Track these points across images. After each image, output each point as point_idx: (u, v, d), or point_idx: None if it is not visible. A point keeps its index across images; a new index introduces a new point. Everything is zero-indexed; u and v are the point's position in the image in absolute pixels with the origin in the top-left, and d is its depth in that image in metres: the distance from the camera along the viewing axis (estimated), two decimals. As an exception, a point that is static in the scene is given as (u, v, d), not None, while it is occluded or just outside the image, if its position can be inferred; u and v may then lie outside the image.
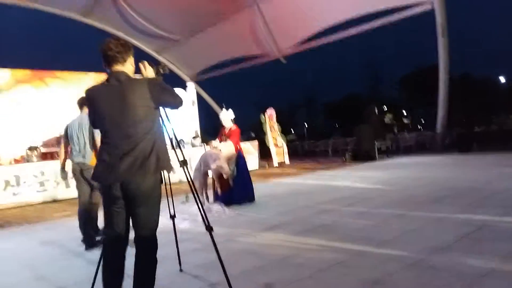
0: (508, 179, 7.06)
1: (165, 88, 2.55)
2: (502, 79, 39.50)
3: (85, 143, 4.70)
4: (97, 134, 4.43)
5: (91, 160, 4.64)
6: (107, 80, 2.52)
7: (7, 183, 9.18)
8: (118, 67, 2.52)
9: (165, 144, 2.59)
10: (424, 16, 15.59)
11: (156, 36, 22.48)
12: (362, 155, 14.06)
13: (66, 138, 4.84)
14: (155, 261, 2.49)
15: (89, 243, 4.54)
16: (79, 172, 4.72)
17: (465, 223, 4.26)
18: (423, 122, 49.04)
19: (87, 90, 2.56)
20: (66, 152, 4.90)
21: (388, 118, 19.78)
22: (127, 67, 2.56)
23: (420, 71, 46.21)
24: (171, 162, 2.59)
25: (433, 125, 17.04)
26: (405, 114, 53.64)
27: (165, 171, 2.61)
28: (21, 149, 10.93)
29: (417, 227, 4.29)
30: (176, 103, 2.61)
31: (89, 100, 2.56)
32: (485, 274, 2.84)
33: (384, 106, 41.50)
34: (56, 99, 13.03)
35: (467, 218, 4.48)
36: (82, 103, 4.82)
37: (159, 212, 2.56)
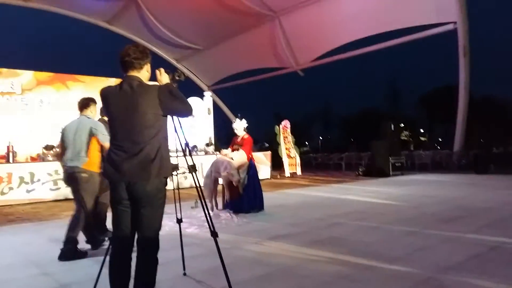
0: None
1: (175, 96, 2.56)
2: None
3: (81, 147, 4.37)
4: (105, 138, 4.30)
5: (85, 163, 4.36)
6: (121, 84, 2.56)
7: (21, 179, 9.34)
8: (134, 73, 2.57)
9: (168, 151, 2.61)
10: (448, 34, 15.45)
11: (177, 45, 22.82)
12: (376, 171, 13.90)
13: (63, 141, 4.53)
14: (156, 262, 2.50)
15: (94, 243, 4.54)
16: (69, 178, 4.36)
17: (477, 244, 4.15)
18: (440, 140, 48.38)
19: (102, 89, 2.62)
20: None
21: (404, 135, 19.59)
22: (143, 73, 2.62)
23: (441, 90, 45.78)
24: (181, 168, 2.60)
25: (451, 144, 16.78)
26: (422, 132, 52.98)
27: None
28: (38, 147, 11.13)
29: (429, 245, 4.19)
30: (185, 111, 2.61)
31: (103, 100, 2.62)
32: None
33: (402, 123, 41.13)
34: (76, 102, 13.24)
35: (480, 238, 4.36)
36: (83, 105, 4.61)
37: (162, 214, 2.58)
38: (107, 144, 4.24)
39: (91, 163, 4.43)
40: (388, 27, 16.70)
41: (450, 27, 15.09)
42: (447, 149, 18.62)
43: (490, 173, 13.26)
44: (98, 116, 5.25)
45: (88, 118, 4.57)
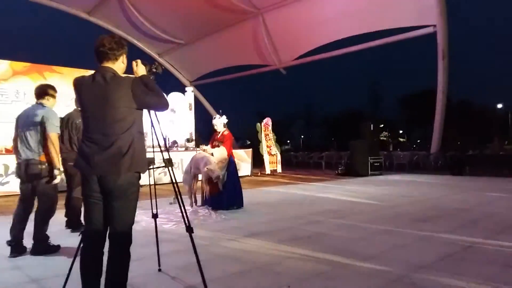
0: (496, 203, 7.05)
1: (150, 89, 2.50)
2: (499, 106, 39.88)
3: (35, 138, 4.06)
4: (53, 128, 4.02)
5: (41, 155, 4.06)
6: (94, 75, 2.49)
7: (-5, 172, 9.08)
8: (108, 64, 2.50)
9: (144, 146, 2.55)
10: (430, 37, 15.72)
11: (159, 39, 22.54)
12: (355, 170, 14.06)
13: (17, 131, 4.19)
14: (128, 256, 2.45)
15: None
16: (24, 171, 4.05)
17: (450, 243, 4.23)
18: (418, 142, 49.34)
19: (75, 79, 2.55)
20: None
21: (384, 136, 19.91)
22: (118, 65, 2.55)
23: (420, 92, 46.68)
24: (158, 163, 2.54)
25: (428, 146, 17.12)
26: (401, 133, 53.88)
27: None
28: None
29: (403, 244, 4.26)
30: (160, 105, 2.56)
31: (76, 91, 2.55)
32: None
33: (381, 124, 41.73)
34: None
35: (454, 238, 4.45)
36: (39, 93, 4.22)
37: (135, 208, 2.53)
38: (52, 135, 4.02)
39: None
40: (370, 28, 16.91)
41: (430, 30, 15.37)
42: (424, 151, 18.99)
43: (465, 174, 13.58)
44: (72, 106, 5.13)
45: (44, 106, 4.18)
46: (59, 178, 4.17)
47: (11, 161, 9.34)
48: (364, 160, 14.07)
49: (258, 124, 16.08)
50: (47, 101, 4.25)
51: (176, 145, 13.51)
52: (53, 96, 4.34)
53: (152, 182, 3.49)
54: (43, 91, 4.25)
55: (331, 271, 3.36)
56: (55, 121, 4.12)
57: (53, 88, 4.37)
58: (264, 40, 20.01)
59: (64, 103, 12.40)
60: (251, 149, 15.12)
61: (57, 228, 4.93)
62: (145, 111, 2.60)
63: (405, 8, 15.32)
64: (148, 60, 2.90)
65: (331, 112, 59.87)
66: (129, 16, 20.84)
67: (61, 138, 4.69)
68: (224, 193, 6.63)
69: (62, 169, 4.24)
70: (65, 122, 5.13)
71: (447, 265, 3.51)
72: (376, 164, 14.31)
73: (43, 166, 4.06)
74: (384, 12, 15.92)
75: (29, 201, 4.16)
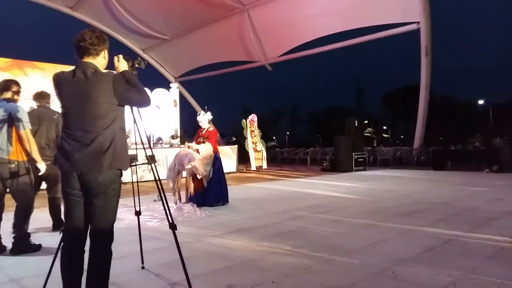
0: (477, 197, 7.19)
1: (132, 85, 2.47)
2: (481, 102, 40.62)
3: (5, 136, 3.88)
4: (23, 125, 3.88)
5: (10, 154, 3.89)
6: (74, 70, 2.44)
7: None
8: (89, 59, 2.45)
9: (126, 142, 2.52)
10: (413, 34, 15.90)
11: (143, 34, 22.27)
12: (339, 166, 14.17)
13: None
14: (110, 254, 2.42)
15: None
16: None
17: (432, 237, 4.30)
18: (402, 137, 49.99)
19: (55, 75, 2.49)
20: None
21: (368, 132, 20.13)
22: (99, 60, 2.49)
23: (404, 89, 47.25)
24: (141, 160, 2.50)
25: (411, 141, 17.37)
26: (385, 129, 54.45)
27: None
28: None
29: (386, 238, 4.31)
30: (141, 102, 2.53)
31: (56, 86, 2.48)
32: (445, 287, 2.86)
33: (366, 120, 42.12)
34: (34, 89, 12.77)
35: (435, 232, 4.53)
36: (3, 88, 4.05)
37: (117, 206, 2.49)
38: (26, 132, 3.90)
39: (17, 152, 3.95)
40: (355, 24, 17.02)
41: (413, 27, 15.53)
42: (407, 146, 19.25)
43: (447, 169, 13.82)
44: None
45: (8, 102, 4.00)
46: (43, 170, 4.11)
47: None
48: (348, 156, 14.19)
49: (244, 120, 16.08)
50: (12, 97, 4.07)
51: (160, 142, 13.41)
52: (17, 93, 4.15)
53: (135, 180, 3.46)
54: (6, 86, 4.06)
55: (315, 265, 3.39)
56: (24, 117, 3.97)
57: (16, 83, 4.18)
58: (250, 36, 19.95)
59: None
60: (236, 146, 15.11)
61: (37, 227, 4.86)
62: (127, 107, 2.57)
63: (389, 5, 15.46)
64: (131, 56, 2.87)
65: (316, 108, 60.22)
66: (112, 11, 20.53)
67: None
68: (209, 189, 6.61)
69: (43, 164, 4.15)
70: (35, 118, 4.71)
71: (428, 258, 3.57)
72: (360, 159, 14.45)
73: (13, 165, 3.91)
74: (368, 9, 16.04)
75: (1, 201, 4.05)
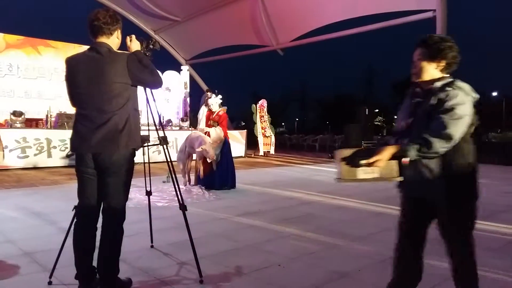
0: (487, 189, 7.14)
1: (145, 65, 2.47)
2: (495, 94, 40.03)
3: None
4: None
5: None
6: (88, 50, 2.46)
7: (-13, 146, 9.02)
8: (103, 39, 2.45)
9: (139, 122, 2.55)
10: (426, 23, 15.58)
11: (155, 15, 22.12)
12: (349, 154, 14.14)
13: None
14: (121, 232, 2.48)
15: None
16: None
17: (438, 227, 4.31)
18: (413, 128, 49.39)
19: (67, 58, 2.50)
20: None
21: (378, 120, 19.96)
22: (113, 40, 2.50)
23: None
24: (152, 141, 2.53)
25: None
26: (395, 118, 53.74)
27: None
28: (6, 113, 10.74)
29: (393, 226, 4.31)
30: (154, 83, 2.55)
31: (68, 69, 2.48)
32: (450, 278, 2.88)
33: (376, 109, 41.72)
34: (47, 68, 12.86)
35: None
36: None
37: (129, 185, 2.53)
38: None
39: None
40: (368, 10, 16.70)
41: (429, 14, 15.19)
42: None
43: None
44: None
45: None
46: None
47: (4, 135, 9.25)
48: (358, 144, 14.14)
49: (254, 105, 16.04)
50: None
51: (170, 124, 13.48)
52: None
53: (146, 160, 3.51)
54: None
55: (321, 250, 3.43)
56: None
57: None
58: (262, 19, 19.69)
59: (59, 78, 12.32)
60: (245, 130, 15.12)
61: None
62: (140, 88, 2.59)
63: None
64: (143, 36, 2.87)
65: (326, 95, 59.54)
66: (123, -10, 20.39)
67: None
68: (217, 173, 6.66)
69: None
70: None
71: (435, 247, 3.58)
72: (370, 147, 14.39)
73: None
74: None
75: None
